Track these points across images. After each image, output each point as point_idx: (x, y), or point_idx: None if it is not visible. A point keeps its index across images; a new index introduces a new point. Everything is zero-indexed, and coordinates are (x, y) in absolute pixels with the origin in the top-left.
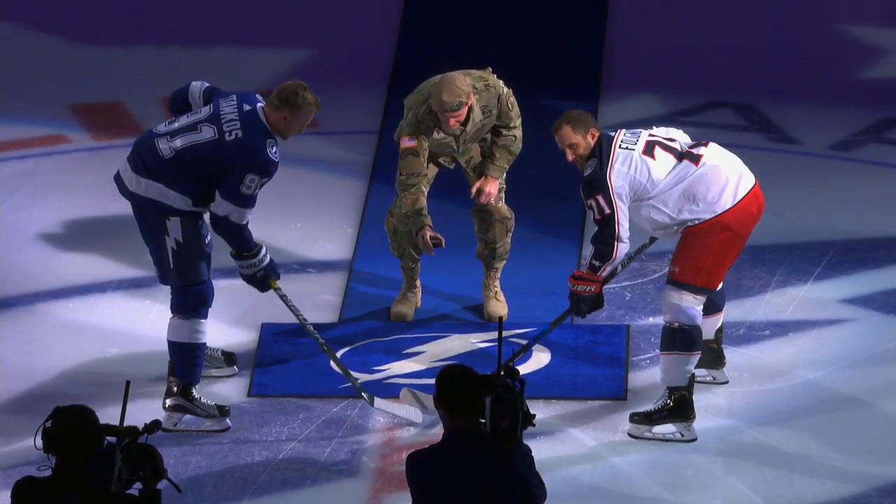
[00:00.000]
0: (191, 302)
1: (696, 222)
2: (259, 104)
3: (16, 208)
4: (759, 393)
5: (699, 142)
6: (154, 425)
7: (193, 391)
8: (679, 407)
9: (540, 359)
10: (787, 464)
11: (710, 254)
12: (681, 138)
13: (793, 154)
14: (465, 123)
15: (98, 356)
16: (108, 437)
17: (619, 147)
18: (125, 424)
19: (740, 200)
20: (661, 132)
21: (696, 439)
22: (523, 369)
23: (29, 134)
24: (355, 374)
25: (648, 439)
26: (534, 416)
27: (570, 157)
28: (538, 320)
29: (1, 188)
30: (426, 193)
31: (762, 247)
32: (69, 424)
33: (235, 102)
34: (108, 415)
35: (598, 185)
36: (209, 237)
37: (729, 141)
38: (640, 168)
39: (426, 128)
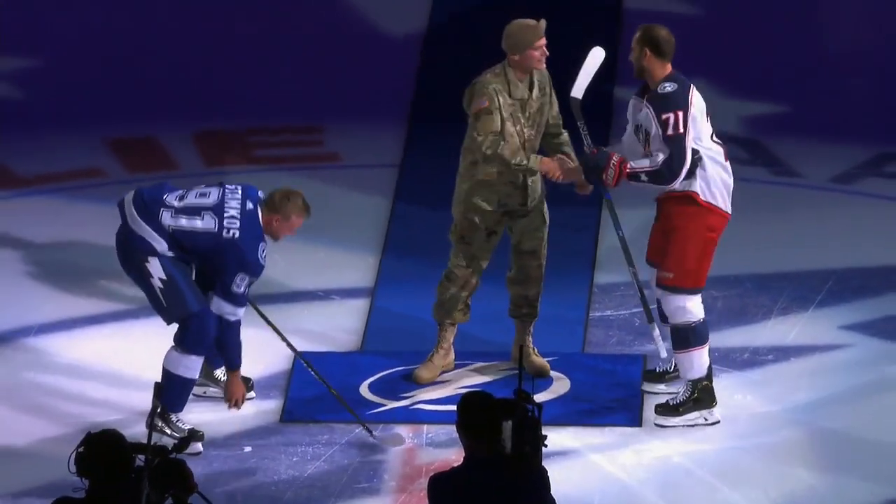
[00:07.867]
0: (192, 336)
1: (692, 196)
2: (259, 203)
3: (54, 240)
4: (762, 415)
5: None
6: (183, 444)
7: (173, 416)
8: (703, 397)
9: (559, 388)
10: (791, 485)
11: (696, 256)
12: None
13: (795, 187)
14: (530, 88)
15: (136, 384)
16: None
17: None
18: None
19: (726, 212)
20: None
21: (719, 422)
22: (542, 397)
23: (64, 168)
24: (383, 401)
25: (676, 427)
26: (545, 437)
27: (632, 56)
28: (554, 347)
29: (39, 220)
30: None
31: (766, 275)
32: (100, 449)
33: (240, 197)
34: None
35: (681, 102)
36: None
37: (734, 174)
38: (699, 121)
39: (493, 90)
